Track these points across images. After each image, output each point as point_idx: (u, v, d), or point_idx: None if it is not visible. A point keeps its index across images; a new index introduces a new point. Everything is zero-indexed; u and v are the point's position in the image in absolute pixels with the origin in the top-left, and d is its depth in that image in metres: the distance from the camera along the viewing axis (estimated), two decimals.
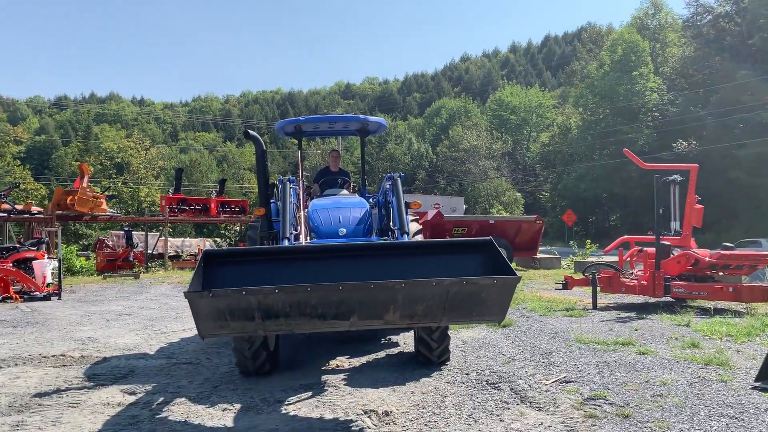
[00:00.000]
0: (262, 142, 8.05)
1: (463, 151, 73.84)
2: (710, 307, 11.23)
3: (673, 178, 12.11)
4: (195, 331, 9.90)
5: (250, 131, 8.11)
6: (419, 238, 9.49)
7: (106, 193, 29.14)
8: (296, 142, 9.84)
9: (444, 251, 6.00)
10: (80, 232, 47.15)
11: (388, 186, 7.73)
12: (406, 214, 7.27)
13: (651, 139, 55.03)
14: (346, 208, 7.35)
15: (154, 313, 12.14)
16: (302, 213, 7.58)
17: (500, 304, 5.23)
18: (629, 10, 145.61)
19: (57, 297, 14.47)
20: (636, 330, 9.04)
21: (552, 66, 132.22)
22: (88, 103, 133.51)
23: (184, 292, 5.00)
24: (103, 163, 54.91)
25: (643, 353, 7.41)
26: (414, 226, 9.48)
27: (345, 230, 6.87)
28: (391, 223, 7.22)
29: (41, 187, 51.43)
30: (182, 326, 10.47)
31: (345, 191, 8.71)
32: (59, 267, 15.42)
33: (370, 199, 8.84)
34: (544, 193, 73.09)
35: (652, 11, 66.87)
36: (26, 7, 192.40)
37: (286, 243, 6.75)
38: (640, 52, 58.14)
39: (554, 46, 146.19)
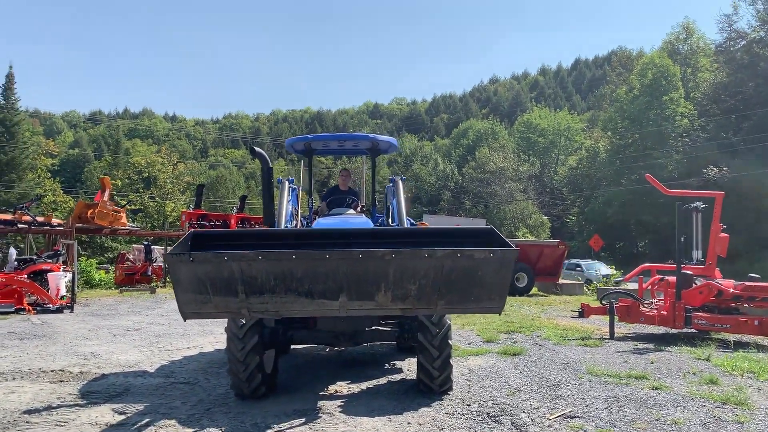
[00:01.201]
0: (268, 159, 7.94)
1: (490, 173, 73.27)
2: (731, 341, 10.74)
3: (695, 205, 11.71)
4: (198, 349, 9.77)
5: (256, 148, 8.00)
6: None
7: (128, 206, 29.40)
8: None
9: (444, 239, 5.78)
10: (105, 245, 47.64)
11: (389, 188, 7.70)
12: (407, 215, 7.19)
13: (681, 165, 54.01)
14: (349, 228, 7.17)
15: (162, 329, 12.04)
16: (299, 213, 7.58)
17: (499, 285, 4.98)
18: (660, 34, 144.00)
19: (69, 310, 14.49)
20: (652, 363, 8.65)
21: (581, 89, 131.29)
22: (122, 119, 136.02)
23: (164, 254, 4.86)
24: (131, 177, 55.67)
25: (656, 388, 7.04)
26: None
27: None
28: (389, 220, 7.12)
29: (70, 200, 52.19)
30: (187, 344, 10.34)
31: (352, 211, 8.54)
32: (73, 280, 15.47)
33: (379, 219, 8.66)
34: (571, 217, 72.11)
35: (683, 36, 66.06)
36: (66, 25, 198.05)
37: None
38: (670, 77, 57.34)
39: (584, 69, 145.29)
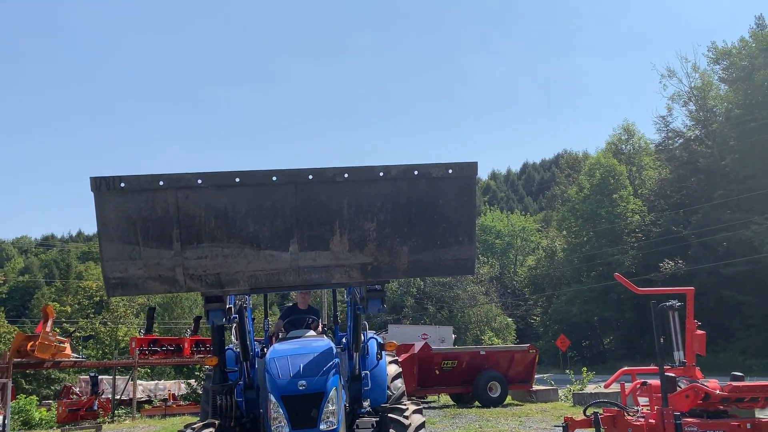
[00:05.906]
0: None
1: (451, 277, 73.20)
2: None
3: (670, 303, 11.28)
4: None
5: None
6: (398, 382, 8.52)
7: (77, 333, 27.68)
8: None
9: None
10: (53, 376, 44.83)
11: (350, 290, 7.17)
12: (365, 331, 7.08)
13: (637, 260, 54.86)
14: (308, 353, 6.44)
15: None
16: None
17: (464, 220, 4.67)
18: (603, 137, 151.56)
19: None
20: None
21: (532, 191, 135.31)
22: (75, 242, 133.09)
23: (91, 178, 4.23)
24: (81, 303, 53.47)
25: None
26: (392, 369, 8.51)
27: (305, 383, 5.93)
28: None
29: (15, 330, 49.50)
30: None
31: (312, 332, 7.80)
32: (4, 423, 13.95)
33: (343, 339, 7.95)
34: (535, 317, 71.78)
35: (625, 137, 69.20)
36: (17, 151, 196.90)
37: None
38: (618, 176, 59.36)
39: (533, 172, 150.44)
